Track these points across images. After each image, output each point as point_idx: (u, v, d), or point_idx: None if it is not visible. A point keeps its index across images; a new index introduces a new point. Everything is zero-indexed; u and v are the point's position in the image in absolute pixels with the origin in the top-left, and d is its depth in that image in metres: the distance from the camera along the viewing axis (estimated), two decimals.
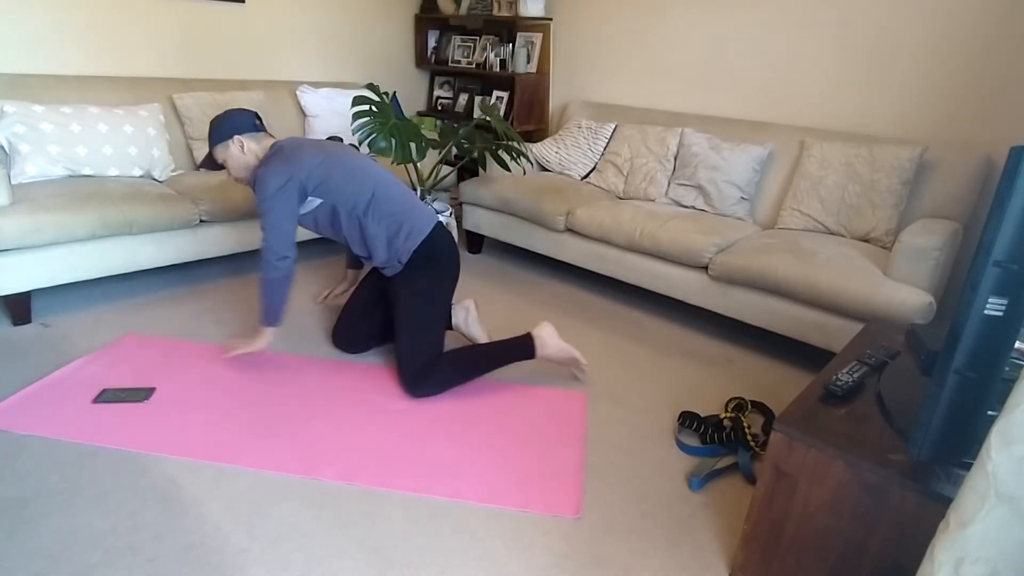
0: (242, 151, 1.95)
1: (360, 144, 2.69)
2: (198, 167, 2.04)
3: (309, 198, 1.93)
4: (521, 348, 2.02)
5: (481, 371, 2.02)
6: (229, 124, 1.95)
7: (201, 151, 2.92)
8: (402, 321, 1.96)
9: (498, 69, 3.79)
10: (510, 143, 3.01)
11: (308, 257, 3.17)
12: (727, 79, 3.08)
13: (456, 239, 2.10)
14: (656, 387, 2.13)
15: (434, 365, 1.93)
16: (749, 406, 1.99)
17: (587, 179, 3.29)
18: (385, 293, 2.18)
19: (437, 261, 2.00)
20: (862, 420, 1.21)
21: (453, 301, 2.20)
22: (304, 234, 2.97)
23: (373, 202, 1.95)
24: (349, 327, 2.20)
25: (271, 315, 1.95)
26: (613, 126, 3.28)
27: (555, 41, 3.75)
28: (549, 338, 2.04)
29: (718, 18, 3.05)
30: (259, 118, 2.03)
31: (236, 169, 1.99)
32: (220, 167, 2.03)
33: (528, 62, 3.75)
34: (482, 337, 2.24)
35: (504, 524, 1.46)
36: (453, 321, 2.23)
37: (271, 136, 2.05)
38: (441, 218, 2.48)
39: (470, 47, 4.05)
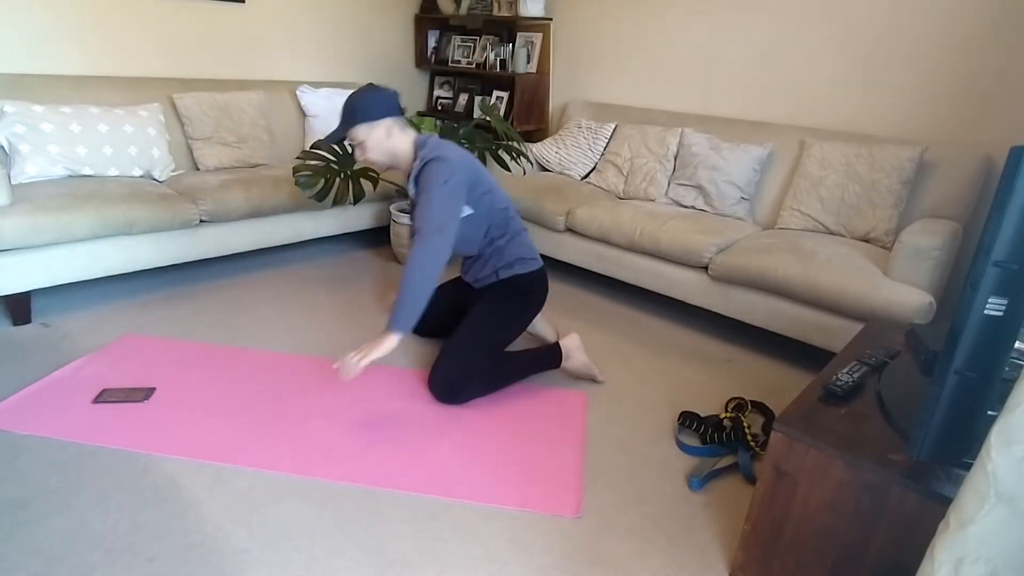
0: (388, 136, 1.85)
1: None
2: (318, 143, 1.89)
3: (465, 206, 1.86)
4: (548, 359, 2.04)
5: (508, 383, 2.01)
6: (381, 104, 1.83)
7: (201, 151, 2.92)
8: (468, 328, 1.94)
9: (498, 69, 3.79)
10: (510, 143, 3.01)
11: (306, 258, 3.17)
12: (727, 79, 3.08)
13: None
14: (656, 387, 2.13)
15: (468, 379, 1.91)
16: (749, 406, 1.99)
17: (587, 179, 3.29)
18: (467, 298, 2.19)
19: (530, 295, 2.05)
20: (862, 420, 1.21)
21: None
22: (298, 234, 2.97)
23: (509, 219, 2.01)
24: (428, 311, 2.19)
25: (406, 318, 1.69)
26: (613, 126, 3.28)
27: (555, 41, 3.75)
28: (575, 351, 2.08)
29: (718, 18, 3.05)
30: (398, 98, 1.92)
31: (375, 151, 1.86)
32: (348, 145, 1.89)
33: (528, 62, 3.74)
34: (550, 333, 2.29)
35: (504, 524, 1.46)
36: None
37: (413, 128, 1.98)
38: None
39: (470, 47, 4.05)
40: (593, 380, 2.12)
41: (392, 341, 1.70)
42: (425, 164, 1.80)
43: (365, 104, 1.82)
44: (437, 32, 4.26)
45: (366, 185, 3.04)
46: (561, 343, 2.07)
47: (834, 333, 2.15)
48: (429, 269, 1.69)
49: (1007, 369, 0.93)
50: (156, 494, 1.48)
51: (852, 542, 1.14)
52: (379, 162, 1.90)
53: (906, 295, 1.99)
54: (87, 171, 2.53)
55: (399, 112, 1.88)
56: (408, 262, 1.71)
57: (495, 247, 2.03)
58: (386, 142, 1.86)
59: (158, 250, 2.48)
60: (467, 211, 1.90)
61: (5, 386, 1.86)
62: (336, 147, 2.79)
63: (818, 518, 1.17)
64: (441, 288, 2.28)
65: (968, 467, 0.95)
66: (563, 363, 2.06)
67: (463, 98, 4.16)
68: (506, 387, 2.02)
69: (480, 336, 1.95)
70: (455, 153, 1.85)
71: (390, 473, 1.60)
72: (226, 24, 3.25)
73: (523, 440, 1.77)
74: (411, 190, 1.89)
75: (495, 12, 3.74)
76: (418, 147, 1.88)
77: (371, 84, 1.90)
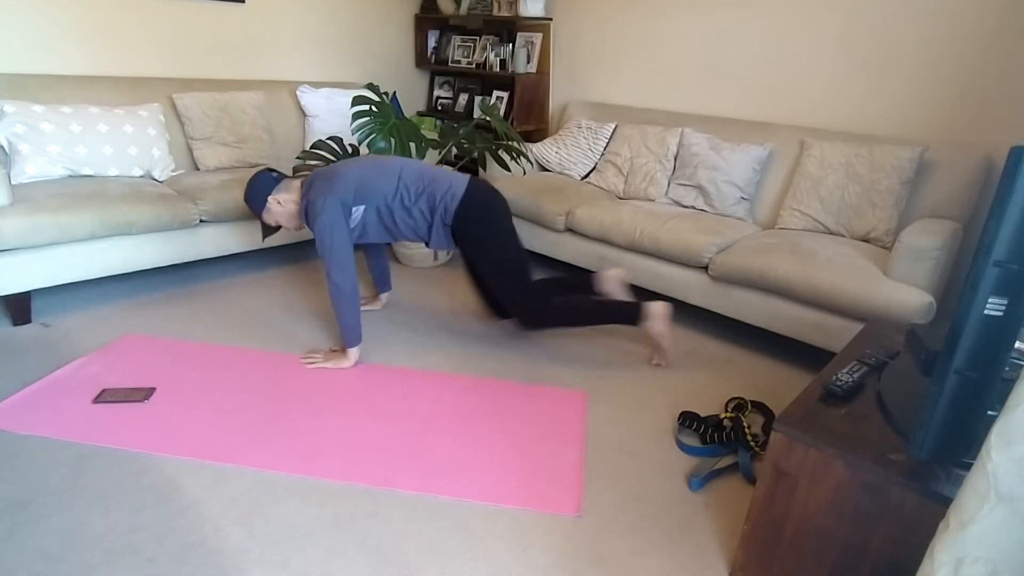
0: (280, 205, 2.12)
1: (360, 144, 2.69)
2: (263, 240, 2.32)
3: (353, 209, 2.04)
4: (628, 314, 2.15)
5: (585, 322, 2.18)
6: (258, 192, 2.12)
7: (201, 152, 2.92)
8: (483, 274, 2.15)
9: (498, 69, 3.79)
10: (510, 143, 3.01)
11: (305, 259, 3.17)
12: (727, 79, 3.08)
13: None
14: (656, 387, 2.13)
15: (539, 302, 2.13)
16: (749, 406, 1.99)
17: (587, 179, 3.29)
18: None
19: (481, 213, 2.10)
20: (862, 420, 1.21)
21: (599, 270, 2.34)
22: (298, 235, 2.97)
23: (402, 186, 2.07)
24: (487, 299, 2.40)
25: (351, 334, 2.07)
26: (613, 126, 3.28)
27: (555, 41, 3.75)
28: (659, 315, 2.15)
29: (718, 18, 3.05)
30: (272, 170, 2.18)
31: (288, 219, 2.17)
32: (277, 228, 2.22)
33: (528, 62, 3.74)
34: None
35: (504, 523, 1.46)
36: (605, 289, 2.31)
37: (293, 177, 2.21)
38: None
39: (470, 47, 4.05)
40: (661, 354, 2.25)
41: (350, 357, 2.10)
42: (306, 211, 2.06)
43: (251, 199, 2.14)
44: (437, 32, 4.26)
45: None
46: (648, 304, 2.15)
47: (834, 333, 2.15)
48: (343, 289, 2.00)
49: (1007, 369, 0.93)
50: (156, 494, 1.48)
51: (852, 542, 1.14)
52: (293, 224, 2.19)
53: (906, 295, 1.99)
54: (87, 171, 2.53)
55: (272, 183, 2.13)
56: (332, 301, 2.03)
57: (424, 214, 2.08)
58: (283, 211, 2.14)
59: (158, 250, 2.48)
60: (359, 210, 2.05)
61: (5, 386, 1.86)
62: (336, 147, 2.79)
63: (818, 518, 1.17)
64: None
65: (968, 467, 0.95)
66: (645, 323, 2.15)
67: (463, 98, 4.16)
68: (582, 326, 2.20)
69: (491, 267, 2.11)
70: (323, 185, 2.01)
71: (390, 473, 1.60)
72: (226, 24, 3.25)
73: (523, 439, 1.77)
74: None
75: (495, 12, 3.74)
76: (303, 194, 2.10)
77: (251, 177, 2.17)
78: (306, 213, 2.05)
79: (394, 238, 2.17)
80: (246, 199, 2.14)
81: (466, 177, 2.14)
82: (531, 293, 2.14)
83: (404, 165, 2.12)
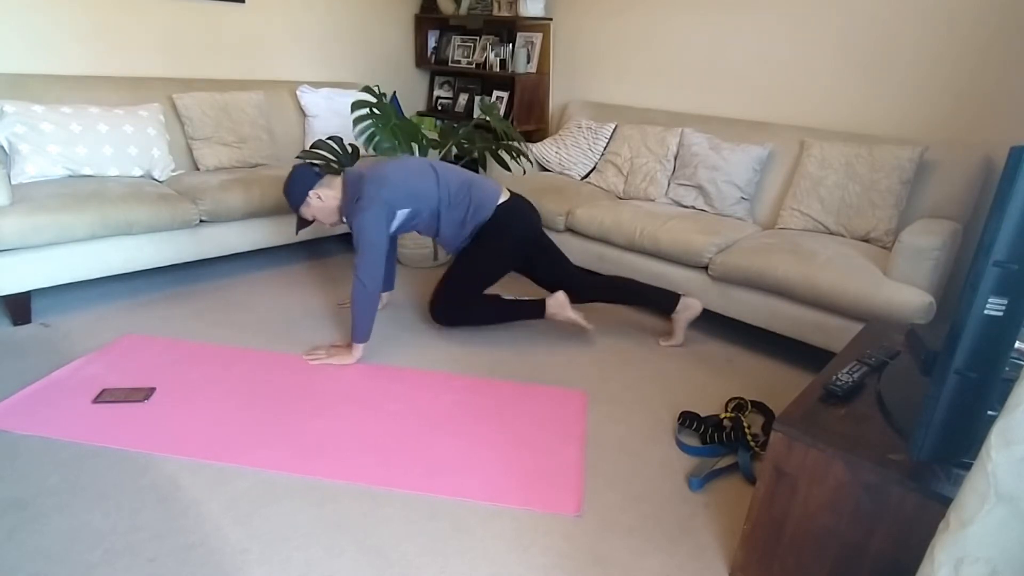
0: (321, 200, 2.14)
1: (365, 147, 2.70)
2: (296, 233, 2.31)
3: (398, 212, 2.11)
4: (533, 308, 2.32)
5: (497, 319, 2.34)
6: (299, 186, 2.14)
7: (201, 151, 2.92)
8: (459, 267, 2.26)
9: (498, 69, 3.79)
10: (510, 143, 3.01)
11: (305, 258, 3.17)
12: (727, 79, 3.08)
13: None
14: (656, 387, 2.13)
15: (461, 310, 2.28)
16: (749, 406, 1.99)
17: (587, 179, 3.29)
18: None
19: (501, 236, 2.24)
20: (862, 420, 1.21)
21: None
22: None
23: (441, 192, 2.18)
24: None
25: (362, 332, 2.10)
26: (613, 126, 3.28)
27: (555, 41, 3.75)
28: (558, 304, 2.31)
29: (718, 18, 3.05)
30: (315, 165, 2.20)
31: (327, 215, 2.19)
32: (311, 222, 2.24)
33: (528, 62, 3.74)
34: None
35: (504, 523, 1.46)
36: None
37: (335, 174, 2.22)
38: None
39: (470, 47, 4.05)
40: (581, 328, 2.39)
41: (354, 353, 2.12)
42: (351, 212, 2.08)
43: (290, 192, 2.15)
44: (437, 32, 4.26)
45: None
46: (547, 299, 2.32)
47: (834, 333, 2.15)
48: (367, 288, 2.03)
49: (1007, 369, 0.93)
50: (156, 494, 1.48)
51: (852, 542, 1.14)
52: (335, 220, 2.22)
53: (906, 295, 1.99)
54: (87, 171, 2.53)
55: (316, 178, 2.16)
56: (352, 296, 2.05)
57: (459, 220, 2.22)
58: (323, 206, 2.16)
59: (158, 250, 2.47)
60: (403, 213, 2.13)
61: (5, 386, 1.86)
62: (336, 147, 2.79)
63: (818, 518, 1.17)
64: None
65: (968, 467, 0.95)
66: (548, 311, 2.31)
67: (463, 98, 4.16)
68: (494, 323, 2.39)
69: (470, 271, 2.26)
70: (374, 187, 2.05)
71: (390, 472, 1.60)
72: (226, 24, 3.25)
73: (523, 439, 1.77)
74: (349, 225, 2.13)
75: (495, 12, 3.74)
76: (346, 187, 2.15)
77: (292, 169, 2.17)
78: (350, 210, 2.08)
79: (427, 235, 2.31)
80: (285, 192, 2.16)
81: (502, 194, 2.24)
82: (470, 307, 2.29)
83: (443, 169, 2.21)
